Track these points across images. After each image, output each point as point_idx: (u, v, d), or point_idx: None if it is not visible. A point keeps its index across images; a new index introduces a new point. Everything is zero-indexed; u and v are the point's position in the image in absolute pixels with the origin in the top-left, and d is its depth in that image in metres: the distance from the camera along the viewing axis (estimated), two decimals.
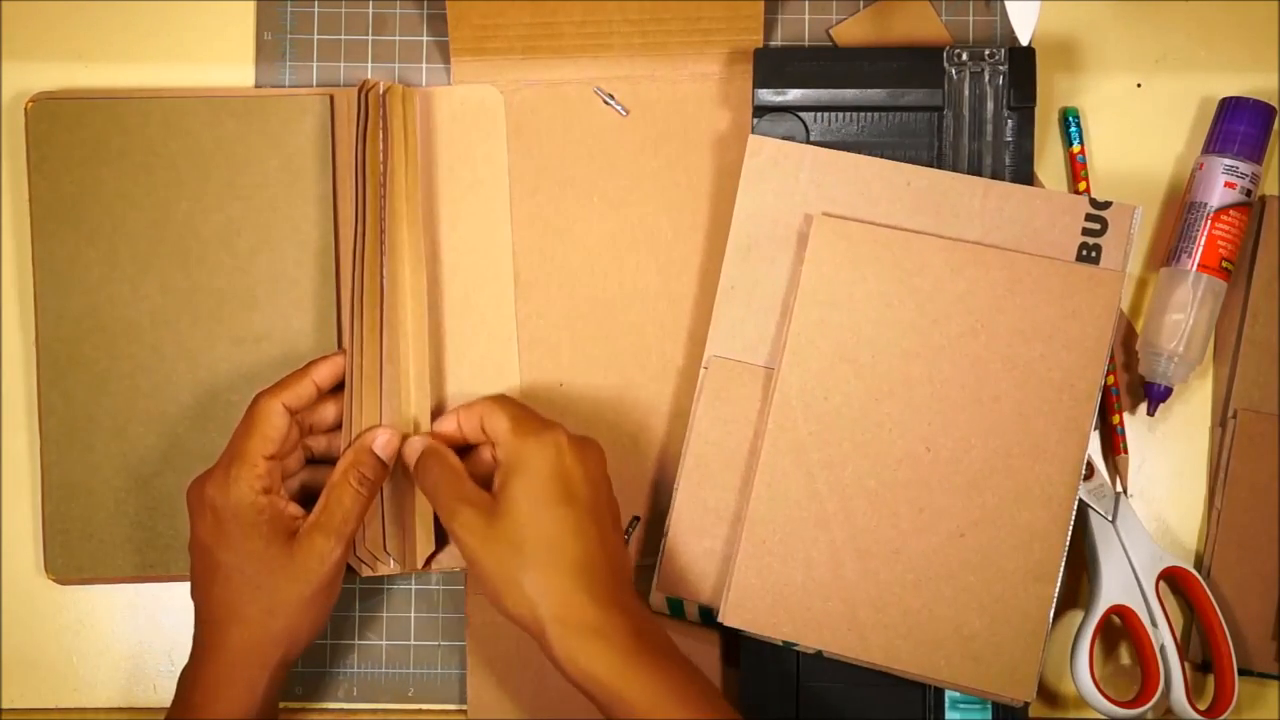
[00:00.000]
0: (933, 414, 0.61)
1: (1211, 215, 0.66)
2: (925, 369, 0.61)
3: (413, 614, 0.69)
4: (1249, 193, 0.67)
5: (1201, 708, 0.65)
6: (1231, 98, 0.67)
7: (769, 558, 0.61)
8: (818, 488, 0.61)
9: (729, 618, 0.61)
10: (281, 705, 0.68)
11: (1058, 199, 0.63)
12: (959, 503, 0.60)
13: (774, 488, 0.61)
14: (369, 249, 0.65)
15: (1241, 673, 0.65)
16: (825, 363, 0.61)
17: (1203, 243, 0.66)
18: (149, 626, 0.69)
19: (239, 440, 0.61)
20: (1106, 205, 0.63)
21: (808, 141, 0.66)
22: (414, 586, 0.69)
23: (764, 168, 0.65)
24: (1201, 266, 0.66)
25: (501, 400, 0.63)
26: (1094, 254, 0.63)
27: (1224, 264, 0.67)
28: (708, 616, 0.62)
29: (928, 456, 0.61)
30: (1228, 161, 0.66)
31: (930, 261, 0.61)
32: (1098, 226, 0.63)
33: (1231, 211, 0.66)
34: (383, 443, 0.63)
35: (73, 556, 0.67)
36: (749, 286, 0.64)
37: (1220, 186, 0.66)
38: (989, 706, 0.64)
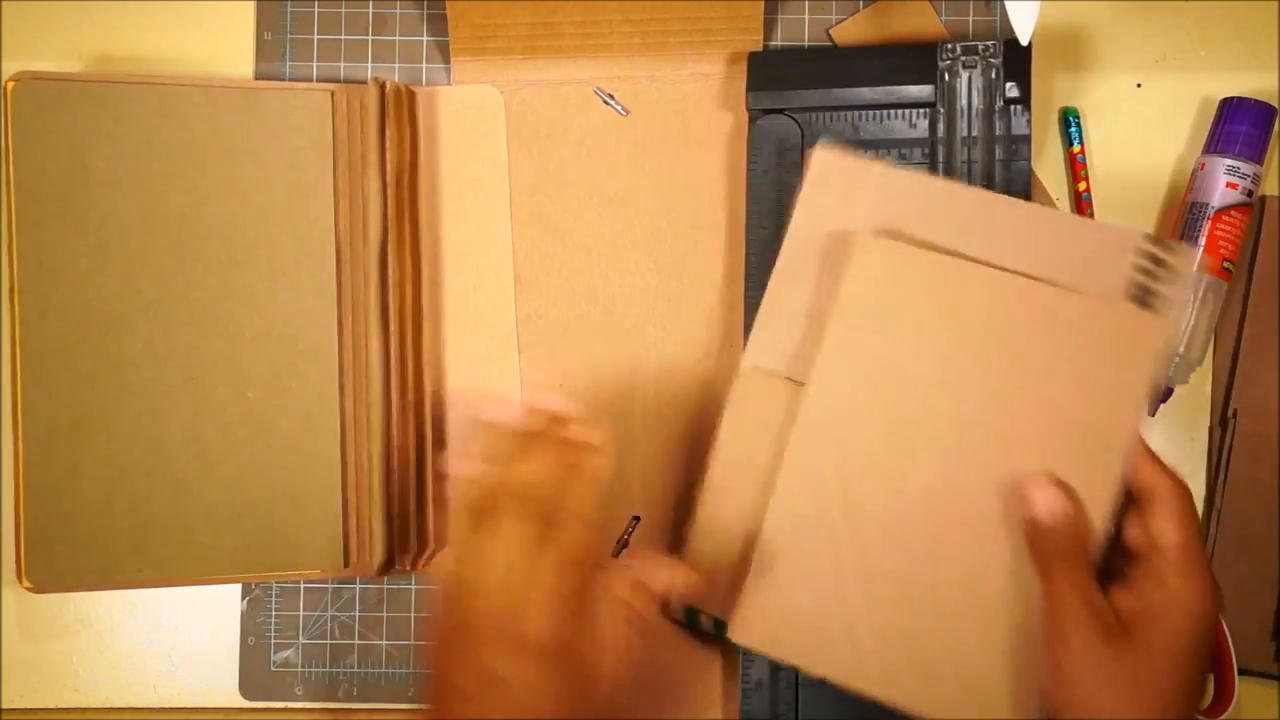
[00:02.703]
0: (958, 450, 0.56)
1: (1213, 216, 0.64)
2: (955, 404, 0.56)
3: (413, 614, 0.67)
4: (1250, 193, 0.65)
5: (1201, 707, 0.63)
6: (1232, 98, 0.65)
7: (780, 580, 0.57)
8: (832, 514, 0.57)
9: (737, 635, 0.58)
10: (281, 705, 0.67)
11: (1111, 233, 0.57)
12: (973, 544, 0.56)
13: (788, 509, 0.57)
14: (370, 248, 0.64)
15: (1241, 673, 0.63)
16: (854, 386, 0.57)
17: (1204, 243, 0.64)
18: (149, 626, 0.68)
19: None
20: (1166, 246, 0.56)
21: (804, 142, 0.65)
22: (414, 586, 0.67)
23: (826, 180, 0.60)
24: (1203, 266, 0.65)
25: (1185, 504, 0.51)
26: (1148, 296, 0.55)
27: (1225, 264, 0.65)
28: (722, 629, 0.60)
29: (947, 494, 0.56)
30: (1229, 162, 0.64)
31: (975, 291, 0.56)
32: (1152, 266, 0.56)
33: (1233, 212, 0.64)
34: (670, 580, 0.52)
35: (53, 564, 0.64)
36: (797, 300, 0.59)
37: (1222, 187, 0.64)
38: None
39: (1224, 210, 0.64)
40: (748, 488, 0.58)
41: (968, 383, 0.56)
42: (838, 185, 0.59)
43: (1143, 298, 0.55)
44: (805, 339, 0.58)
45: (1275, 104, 0.65)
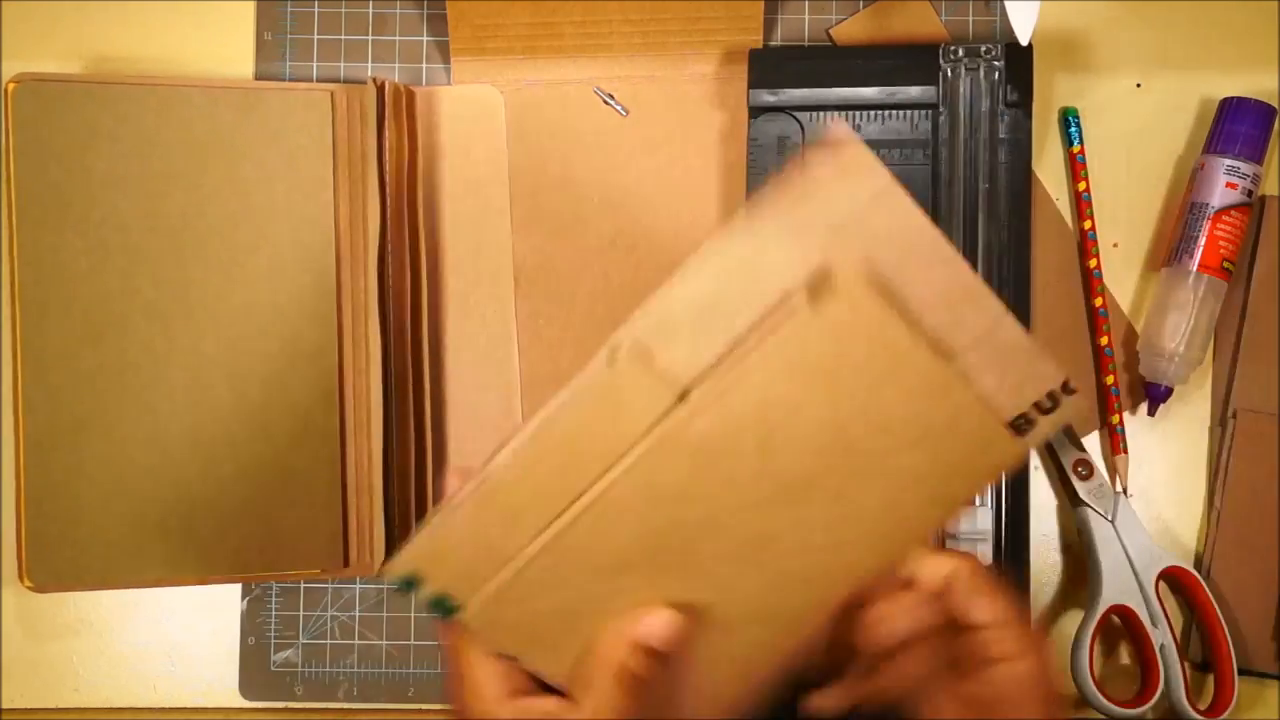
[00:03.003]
0: (773, 520, 0.49)
1: (1213, 216, 0.64)
2: (808, 467, 0.48)
3: (412, 614, 0.67)
4: (1250, 193, 0.64)
5: (1201, 708, 0.63)
6: (1233, 98, 0.65)
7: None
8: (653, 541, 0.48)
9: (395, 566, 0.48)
10: (282, 705, 0.67)
11: (1040, 365, 0.49)
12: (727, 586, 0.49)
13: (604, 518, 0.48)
14: (370, 248, 0.64)
15: (1241, 673, 0.63)
16: (739, 423, 0.47)
17: (1204, 243, 0.64)
18: (149, 626, 0.67)
19: (449, 663, 0.49)
20: (1070, 392, 0.50)
21: (804, 140, 0.65)
22: None
23: (833, 171, 0.45)
24: (1203, 266, 0.64)
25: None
26: (1027, 426, 0.50)
27: (1225, 264, 0.65)
28: (439, 607, 0.49)
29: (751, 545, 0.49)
30: (1229, 162, 0.64)
31: (904, 368, 0.48)
32: (1049, 405, 0.50)
33: (1233, 212, 0.64)
34: (660, 628, 0.46)
35: (53, 564, 0.63)
36: (726, 292, 0.46)
37: (1222, 187, 0.64)
38: None
39: (1224, 210, 0.64)
40: (558, 473, 0.47)
41: (835, 456, 0.49)
42: (838, 180, 0.46)
43: (1023, 425, 0.50)
44: (711, 341, 0.46)
45: (1275, 104, 0.65)
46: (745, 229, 0.45)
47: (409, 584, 0.48)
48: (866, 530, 0.51)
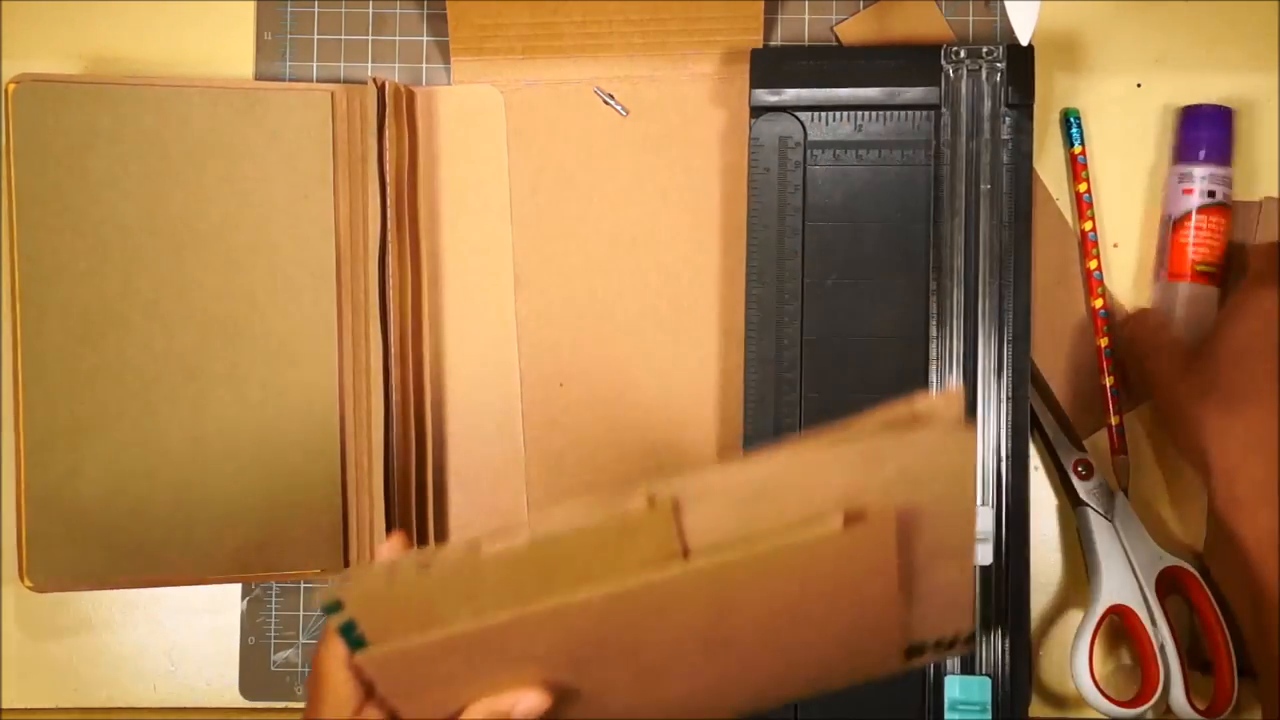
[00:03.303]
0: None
1: (1180, 222, 0.65)
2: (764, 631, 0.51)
3: None
4: (1222, 194, 0.65)
5: (1201, 707, 0.63)
6: (1188, 106, 0.66)
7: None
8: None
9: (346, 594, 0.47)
10: (282, 705, 0.67)
11: (959, 613, 0.52)
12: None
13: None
14: (369, 248, 0.63)
15: (1241, 673, 0.63)
16: (719, 595, 0.48)
17: (1174, 252, 0.65)
18: (149, 626, 0.67)
19: (310, 709, 0.50)
20: (968, 644, 0.54)
21: (805, 140, 0.65)
22: None
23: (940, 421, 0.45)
24: (1184, 276, 0.65)
25: None
26: (917, 656, 0.54)
27: (1199, 268, 0.65)
28: (347, 635, 0.48)
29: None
30: (1194, 169, 0.65)
31: (865, 576, 0.50)
32: (948, 644, 0.54)
33: (1211, 214, 0.64)
34: (525, 708, 0.49)
35: (53, 564, 0.63)
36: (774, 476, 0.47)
37: (1180, 193, 0.65)
38: (988, 708, 0.62)
39: (1201, 210, 0.65)
40: (538, 574, 0.47)
41: (765, 635, 0.51)
42: (929, 435, 0.46)
43: (915, 652, 0.54)
44: (740, 520, 0.47)
45: (1275, 104, 0.65)
46: (826, 442, 0.46)
47: (331, 608, 0.47)
48: (746, 686, 0.54)
